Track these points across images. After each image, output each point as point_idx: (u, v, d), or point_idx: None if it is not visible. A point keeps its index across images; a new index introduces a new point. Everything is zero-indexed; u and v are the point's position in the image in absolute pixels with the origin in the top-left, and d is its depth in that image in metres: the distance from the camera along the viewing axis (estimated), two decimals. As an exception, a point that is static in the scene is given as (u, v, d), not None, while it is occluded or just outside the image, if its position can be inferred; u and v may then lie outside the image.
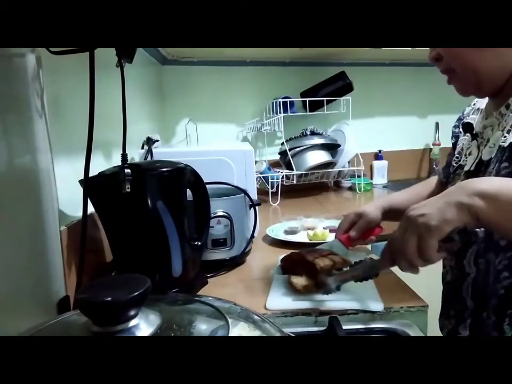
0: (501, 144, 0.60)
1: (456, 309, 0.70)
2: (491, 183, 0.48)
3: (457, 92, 0.67)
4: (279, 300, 0.68)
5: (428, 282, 0.75)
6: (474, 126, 0.71)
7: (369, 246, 1.38)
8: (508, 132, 0.60)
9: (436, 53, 0.64)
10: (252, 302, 0.69)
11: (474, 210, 0.46)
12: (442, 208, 0.47)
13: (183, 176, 0.71)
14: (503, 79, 0.62)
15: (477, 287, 0.65)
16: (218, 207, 0.85)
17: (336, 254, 0.70)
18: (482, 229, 0.64)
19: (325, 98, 1.73)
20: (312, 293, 0.68)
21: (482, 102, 0.75)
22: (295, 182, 1.65)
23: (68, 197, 0.66)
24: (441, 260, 0.72)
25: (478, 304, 0.65)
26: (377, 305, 0.65)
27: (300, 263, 0.71)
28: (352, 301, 0.66)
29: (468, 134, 0.73)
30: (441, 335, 0.74)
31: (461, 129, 0.78)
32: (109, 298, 0.27)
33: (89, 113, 0.59)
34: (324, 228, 1.07)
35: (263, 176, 1.61)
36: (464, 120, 0.77)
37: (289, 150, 1.64)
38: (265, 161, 1.71)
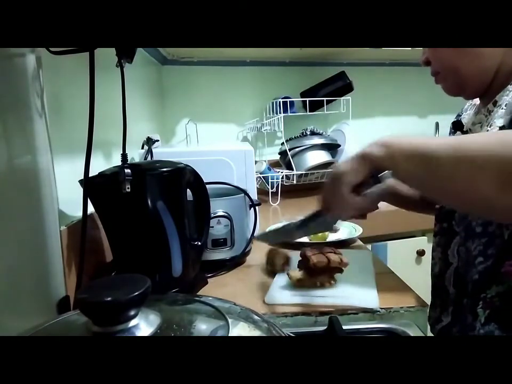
0: None
1: (441, 298, 0.71)
2: (401, 138, 0.50)
3: (445, 92, 0.70)
4: (278, 294, 0.70)
5: (428, 282, 0.75)
6: (464, 123, 0.73)
7: (369, 246, 1.39)
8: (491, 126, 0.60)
9: (425, 57, 0.68)
10: (251, 302, 0.69)
11: (371, 157, 0.50)
12: (351, 160, 0.52)
13: (183, 176, 0.71)
14: (486, 79, 0.63)
15: (459, 275, 0.66)
16: (218, 207, 0.85)
17: (337, 253, 0.71)
18: (464, 219, 0.64)
19: (325, 98, 1.72)
20: (305, 287, 0.70)
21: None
22: (295, 182, 1.65)
23: (68, 197, 0.66)
24: (431, 252, 0.74)
25: (459, 291, 0.66)
26: (373, 303, 0.65)
27: (302, 258, 0.73)
28: (348, 297, 0.67)
29: (459, 132, 0.74)
30: (429, 325, 0.74)
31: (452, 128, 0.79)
32: (109, 298, 0.27)
33: (89, 113, 0.59)
34: (323, 228, 1.07)
35: (263, 176, 1.60)
36: (462, 115, 0.78)
37: (289, 150, 1.63)
38: (265, 161, 1.70)
